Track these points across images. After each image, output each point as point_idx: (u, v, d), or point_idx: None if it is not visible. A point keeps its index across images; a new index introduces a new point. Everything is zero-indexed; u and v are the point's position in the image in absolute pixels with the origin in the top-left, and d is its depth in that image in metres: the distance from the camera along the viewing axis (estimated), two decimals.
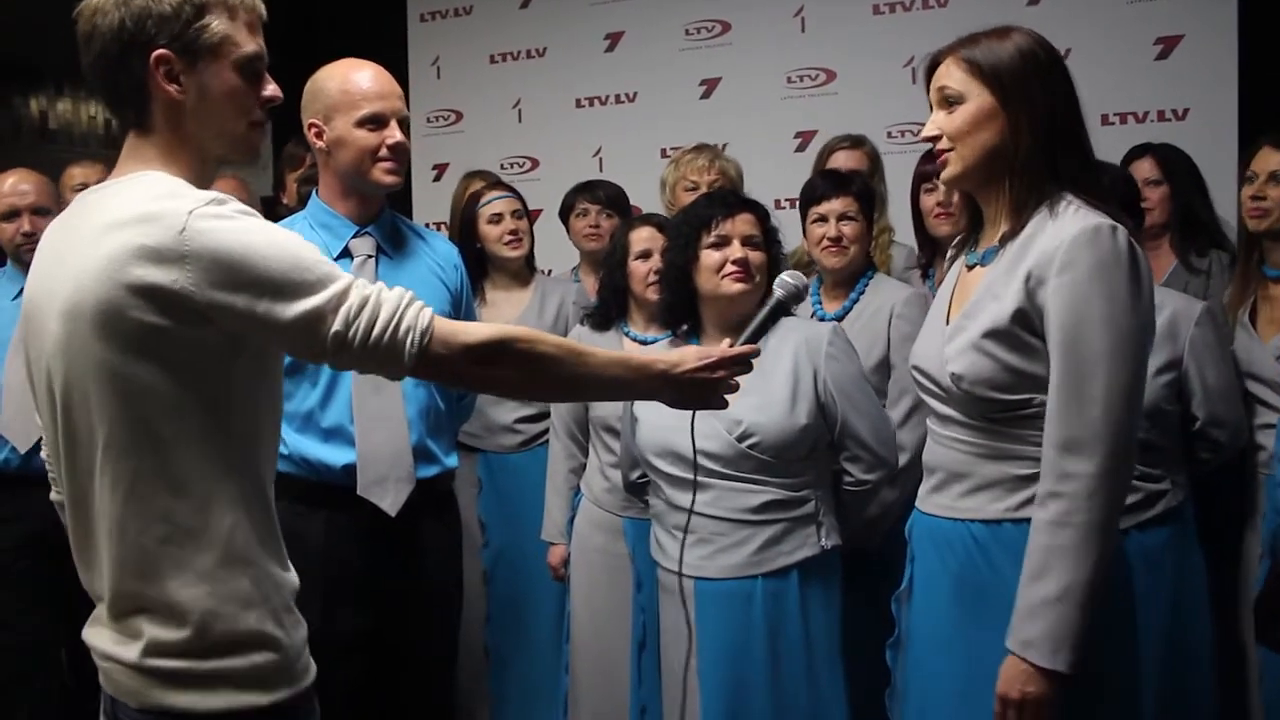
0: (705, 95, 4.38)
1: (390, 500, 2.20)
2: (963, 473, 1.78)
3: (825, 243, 2.67)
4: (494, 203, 3.32)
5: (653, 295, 2.73)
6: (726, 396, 1.67)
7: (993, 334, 1.71)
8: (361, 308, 1.35)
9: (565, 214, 3.60)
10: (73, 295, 1.33)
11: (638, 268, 2.77)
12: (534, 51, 4.63)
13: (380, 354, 1.36)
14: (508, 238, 3.30)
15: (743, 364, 1.64)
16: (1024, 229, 1.74)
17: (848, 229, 2.67)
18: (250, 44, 1.42)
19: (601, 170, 4.34)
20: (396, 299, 1.38)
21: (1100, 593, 1.63)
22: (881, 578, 2.49)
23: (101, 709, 1.47)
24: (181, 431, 1.34)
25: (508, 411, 3.28)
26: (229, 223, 1.32)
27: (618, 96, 4.52)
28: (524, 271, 3.40)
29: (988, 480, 1.76)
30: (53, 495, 1.59)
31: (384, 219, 2.30)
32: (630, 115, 4.49)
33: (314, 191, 2.30)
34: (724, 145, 3.84)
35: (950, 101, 1.77)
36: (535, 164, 4.64)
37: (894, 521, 2.54)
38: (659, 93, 4.43)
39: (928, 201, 2.88)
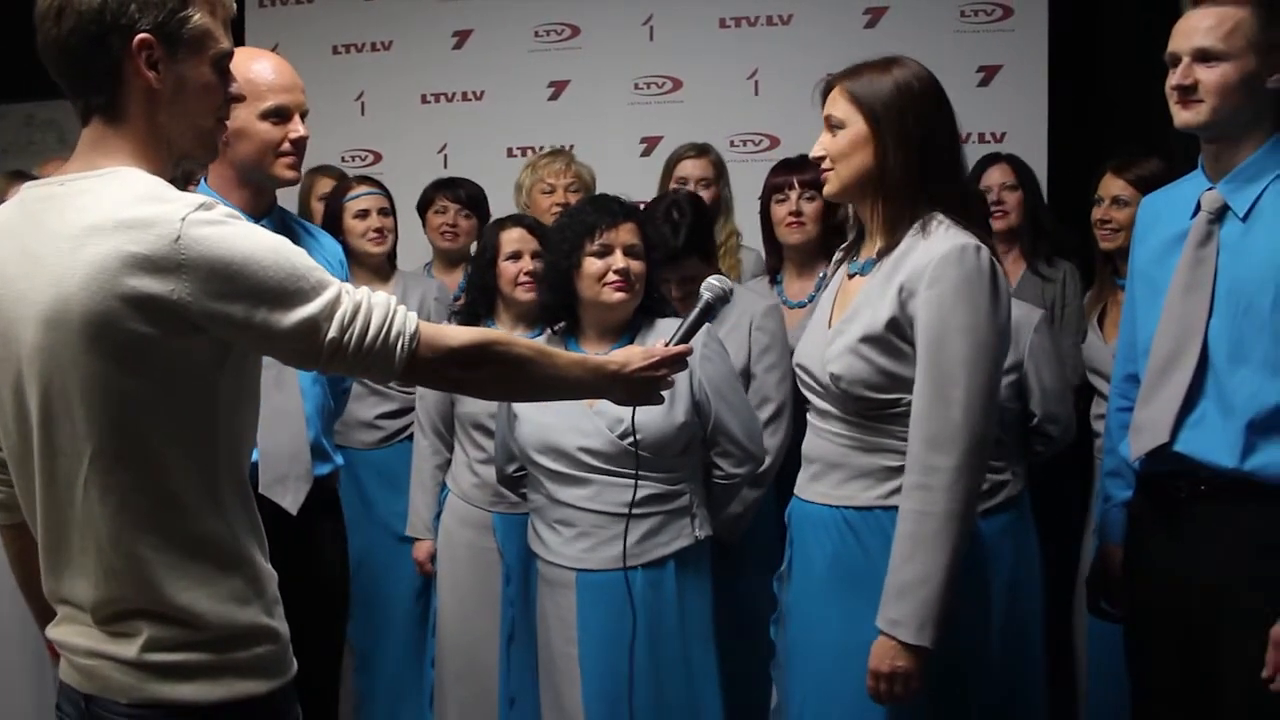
0: (553, 97, 4.45)
1: (291, 499, 2.18)
2: (838, 463, 1.95)
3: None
4: (361, 198, 3.33)
5: (522, 295, 2.80)
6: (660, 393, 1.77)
7: (868, 339, 1.88)
8: (355, 314, 1.36)
9: (423, 208, 3.61)
10: (55, 303, 1.28)
11: (507, 268, 2.82)
12: (379, 44, 4.57)
13: (372, 359, 1.37)
14: (371, 234, 3.31)
15: (680, 362, 1.75)
16: (899, 245, 1.91)
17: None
18: (225, 41, 1.41)
19: (446, 167, 4.34)
20: (385, 304, 1.39)
21: (959, 574, 1.81)
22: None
23: (61, 711, 1.43)
24: (172, 442, 1.33)
25: (368, 407, 3.28)
26: (223, 229, 1.29)
27: (464, 94, 4.52)
28: (385, 267, 3.41)
29: (860, 470, 1.92)
30: None
31: (275, 212, 2.27)
32: (477, 114, 4.50)
33: (202, 180, 2.25)
34: (571, 147, 3.92)
35: (834, 126, 1.94)
36: (378, 158, 4.58)
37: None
38: (506, 92, 4.46)
39: (779, 211, 3.01)
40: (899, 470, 1.88)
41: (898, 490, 1.87)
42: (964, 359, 1.81)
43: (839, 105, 1.93)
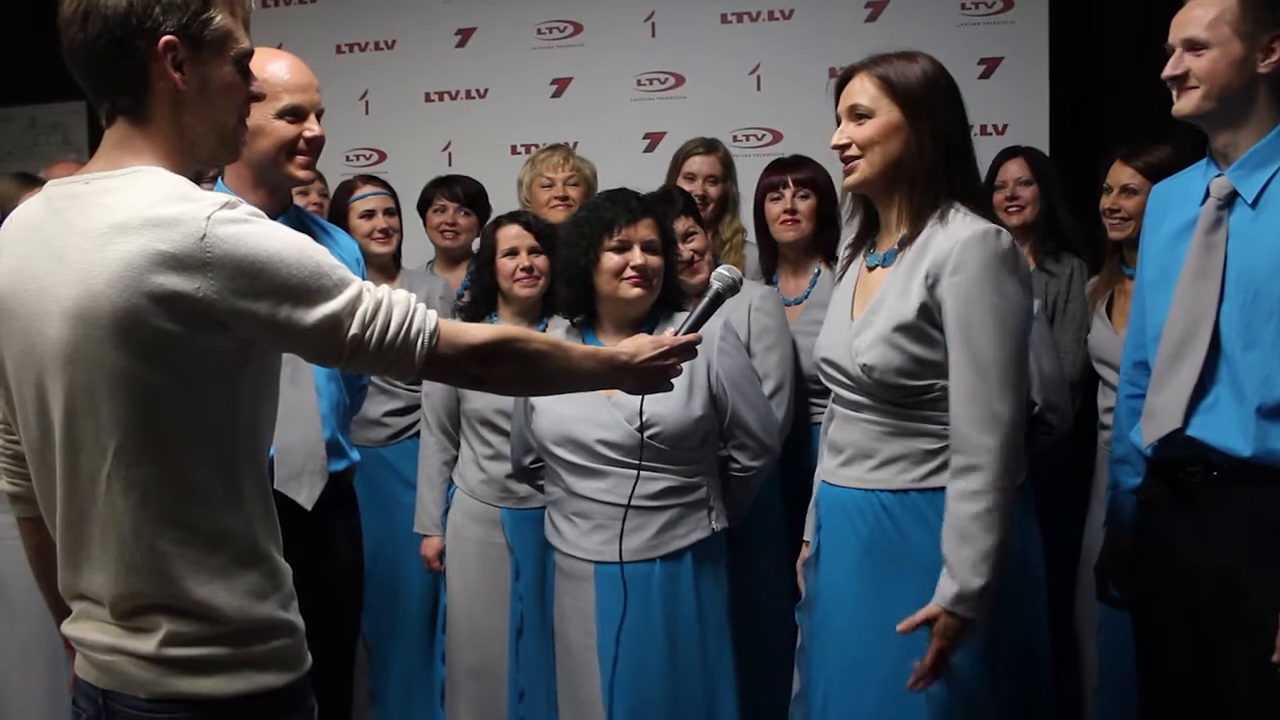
0: (556, 94, 4.46)
1: (306, 495, 2.20)
2: (871, 449, 1.99)
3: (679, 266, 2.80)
4: (367, 198, 3.37)
5: (520, 290, 2.83)
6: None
7: (900, 328, 1.92)
8: (376, 311, 1.37)
9: (423, 207, 3.63)
10: (82, 299, 1.29)
11: (505, 264, 2.85)
12: (382, 44, 4.58)
13: (393, 356, 1.39)
14: (377, 234, 3.35)
15: (690, 351, 1.76)
16: (920, 234, 1.95)
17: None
18: (246, 40, 1.43)
19: (450, 165, 4.35)
20: (405, 302, 1.41)
21: (1009, 548, 1.87)
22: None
23: (78, 707, 1.44)
24: (194, 438, 1.34)
25: (376, 405, 3.29)
26: (248, 227, 1.31)
27: (468, 92, 4.53)
28: (390, 266, 3.44)
29: (895, 455, 1.97)
30: (3, 485, 1.56)
31: (292, 211, 2.28)
32: (480, 111, 4.51)
33: (219, 179, 2.26)
34: (574, 144, 3.95)
35: (860, 115, 1.96)
36: (383, 156, 4.60)
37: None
38: (510, 90, 4.47)
39: (774, 209, 3.04)
40: (935, 453, 1.93)
41: (934, 472, 1.93)
42: (995, 340, 1.86)
43: (867, 93, 1.96)
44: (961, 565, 1.85)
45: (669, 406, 2.30)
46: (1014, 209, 3.22)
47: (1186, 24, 1.95)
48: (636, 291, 2.39)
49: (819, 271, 3.07)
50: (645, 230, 2.42)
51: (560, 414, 2.38)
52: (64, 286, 1.31)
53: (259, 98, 1.48)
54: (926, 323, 1.91)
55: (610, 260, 2.39)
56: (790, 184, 3.02)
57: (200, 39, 1.37)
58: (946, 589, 1.86)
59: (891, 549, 1.95)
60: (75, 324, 1.30)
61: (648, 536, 2.34)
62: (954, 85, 1.97)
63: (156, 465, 1.33)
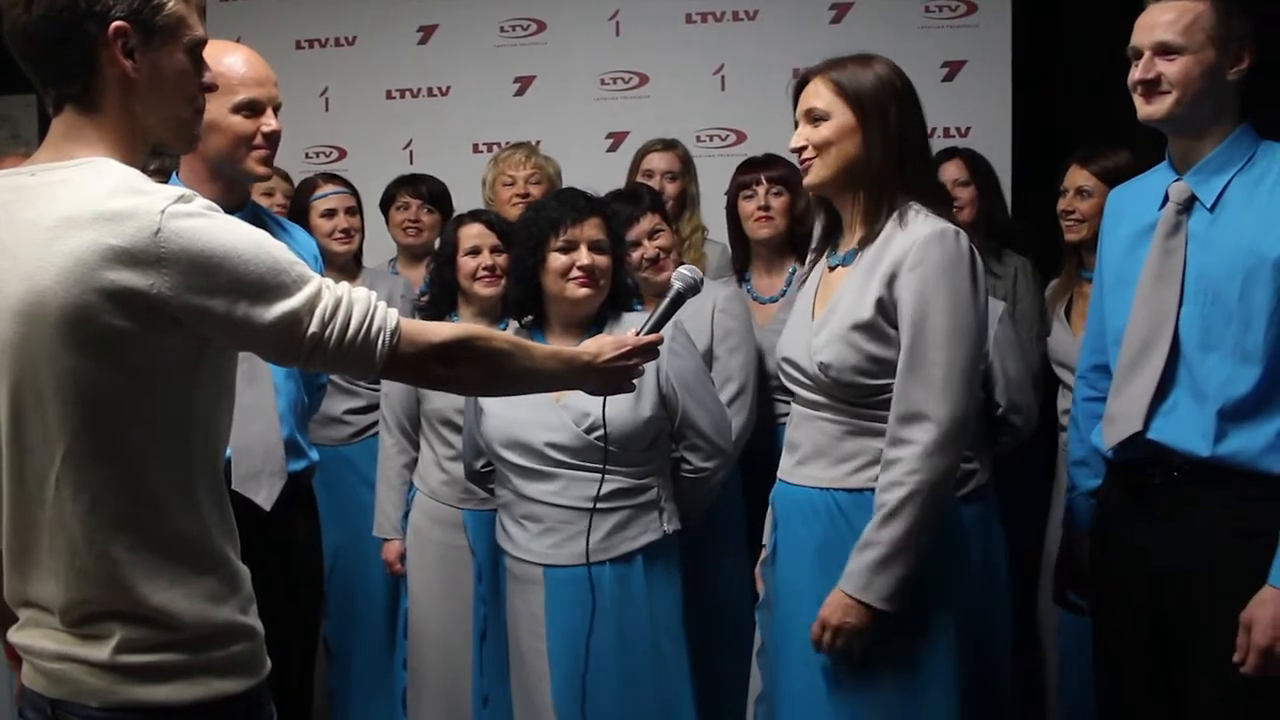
0: (519, 92, 4.44)
1: (264, 495, 2.16)
2: (828, 448, 1.99)
3: (644, 263, 2.80)
4: (328, 197, 3.34)
5: (481, 290, 2.81)
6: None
7: (857, 326, 1.93)
8: (335, 309, 1.34)
9: (385, 205, 3.61)
10: (29, 295, 1.25)
11: (466, 263, 2.83)
12: (343, 40, 4.54)
13: (353, 355, 1.36)
14: (338, 234, 3.32)
15: (652, 351, 1.75)
16: (880, 233, 1.96)
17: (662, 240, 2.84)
18: (200, 28, 1.39)
19: (412, 163, 4.32)
20: (365, 300, 1.38)
21: (926, 547, 1.87)
22: None
23: (23, 716, 1.40)
24: (147, 438, 1.31)
25: (336, 403, 3.26)
26: (203, 221, 1.28)
27: (430, 90, 4.50)
28: (351, 266, 3.41)
29: (850, 454, 1.97)
30: None
31: (248, 206, 2.25)
32: (442, 109, 4.48)
33: (174, 173, 2.22)
34: (537, 143, 3.93)
35: (816, 118, 1.97)
36: (343, 154, 4.55)
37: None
38: (472, 88, 4.44)
39: (747, 207, 3.05)
40: None
41: None
42: (944, 338, 1.87)
43: (822, 96, 1.97)
44: (865, 549, 1.88)
45: (618, 409, 2.27)
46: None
47: (1156, 27, 1.94)
48: (583, 292, 2.37)
49: (794, 270, 3.07)
50: (592, 230, 2.40)
51: (508, 417, 2.36)
52: (10, 282, 1.27)
53: (212, 88, 1.43)
54: (884, 321, 1.92)
55: (557, 260, 2.38)
56: (763, 181, 3.02)
57: (152, 25, 1.33)
58: (847, 568, 1.89)
59: (846, 548, 1.94)
60: (22, 321, 1.26)
61: (598, 539, 2.31)
62: (910, 87, 1.98)
63: (108, 468, 1.29)
